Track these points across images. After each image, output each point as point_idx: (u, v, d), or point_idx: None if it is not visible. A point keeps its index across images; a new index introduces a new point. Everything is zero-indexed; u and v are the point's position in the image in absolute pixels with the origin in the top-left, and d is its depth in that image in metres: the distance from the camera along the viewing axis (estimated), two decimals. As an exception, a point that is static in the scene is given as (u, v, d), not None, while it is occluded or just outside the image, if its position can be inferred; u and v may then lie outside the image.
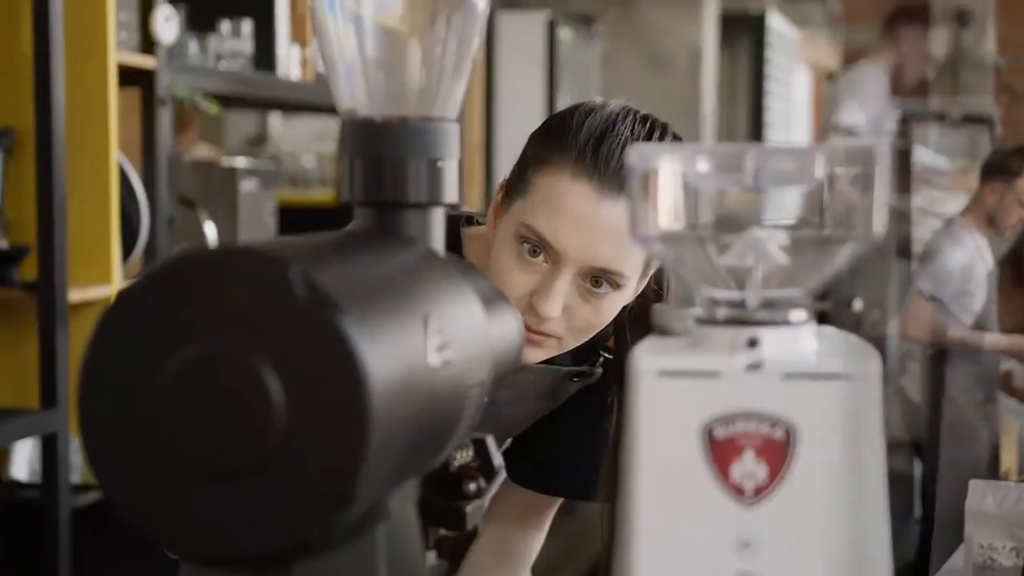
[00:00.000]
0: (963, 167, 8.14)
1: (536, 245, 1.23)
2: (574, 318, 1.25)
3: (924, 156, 5.43)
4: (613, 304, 1.26)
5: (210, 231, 2.84)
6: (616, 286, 1.24)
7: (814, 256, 0.70)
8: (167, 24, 2.59)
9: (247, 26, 2.98)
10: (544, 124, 1.29)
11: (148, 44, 2.61)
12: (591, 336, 1.28)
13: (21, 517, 2.42)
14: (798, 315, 0.69)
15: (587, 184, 1.21)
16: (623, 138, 1.24)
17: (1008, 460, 4.31)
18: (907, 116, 5.52)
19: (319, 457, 0.59)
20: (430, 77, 0.82)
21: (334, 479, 0.59)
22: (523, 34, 4.68)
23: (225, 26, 2.98)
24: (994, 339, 4.42)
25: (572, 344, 1.28)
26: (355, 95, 0.81)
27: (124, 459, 0.61)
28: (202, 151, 3.61)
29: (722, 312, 0.69)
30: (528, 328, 1.23)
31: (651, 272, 1.31)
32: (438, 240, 0.81)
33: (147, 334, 0.61)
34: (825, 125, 4.35)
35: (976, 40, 9.21)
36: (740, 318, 0.69)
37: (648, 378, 0.67)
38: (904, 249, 4.55)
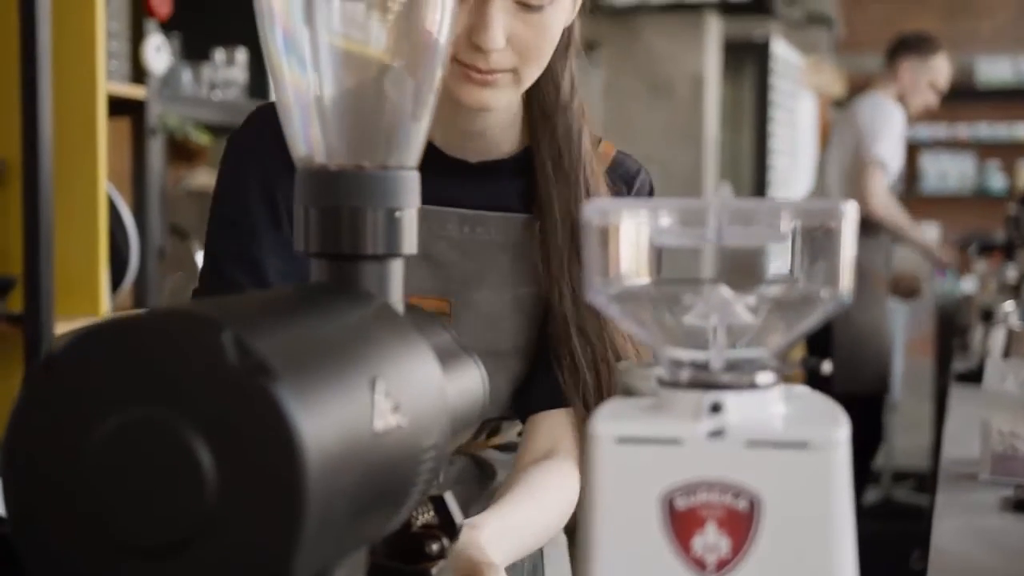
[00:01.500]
0: (812, 62, 8.21)
1: None
2: (519, 44, 1.20)
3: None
4: (554, 19, 1.21)
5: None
6: None
7: (781, 316, 0.67)
8: (158, 54, 2.57)
9: (241, 55, 2.96)
10: None
11: (139, 74, 2.59)
12: (546, 60, 1.24)
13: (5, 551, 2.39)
14: (765, 377, 0.66)
15: None
16: None
17: None
18: None
19: (252, 533, 0.56)
20: (388, 123, 0.79)
21: (268, 558, 0.56)
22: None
23: (219, 55, 2.96)
24: (928, 238, 4.72)
25: (530, 75, 1.23)
26: (311, 142, 0.78)
27: (47, 530, 0.58)
28: (204, 177, 3.59)
29: (685, 374, 0.66)
30: (478, 70, 1.20)
31: None
32: (396, 292, 0.78)
33: (74, 400, 0.58)
34: (857, 156, 4.32)
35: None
36: (704, 381, 0.66)
37: (606, 444, 0.64)
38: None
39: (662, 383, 0.67)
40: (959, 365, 3.30)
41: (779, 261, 0.83)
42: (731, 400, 0.64)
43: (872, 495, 5.30)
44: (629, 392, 0.72)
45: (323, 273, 0.77)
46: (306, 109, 0.78)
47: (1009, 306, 3.03)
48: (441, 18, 0.80)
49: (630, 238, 0.67)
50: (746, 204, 0.67)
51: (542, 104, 1.31)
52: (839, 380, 3.93)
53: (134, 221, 2.57)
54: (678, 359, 0.67)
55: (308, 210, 0.77)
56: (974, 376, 2.63)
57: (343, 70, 0.78)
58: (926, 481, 4.78)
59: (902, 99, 4.40)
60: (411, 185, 0.78)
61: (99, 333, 0.58)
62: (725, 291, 0.67)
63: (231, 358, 0.56)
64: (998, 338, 2.86)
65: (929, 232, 9.99)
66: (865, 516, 5.05)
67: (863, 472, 4.50)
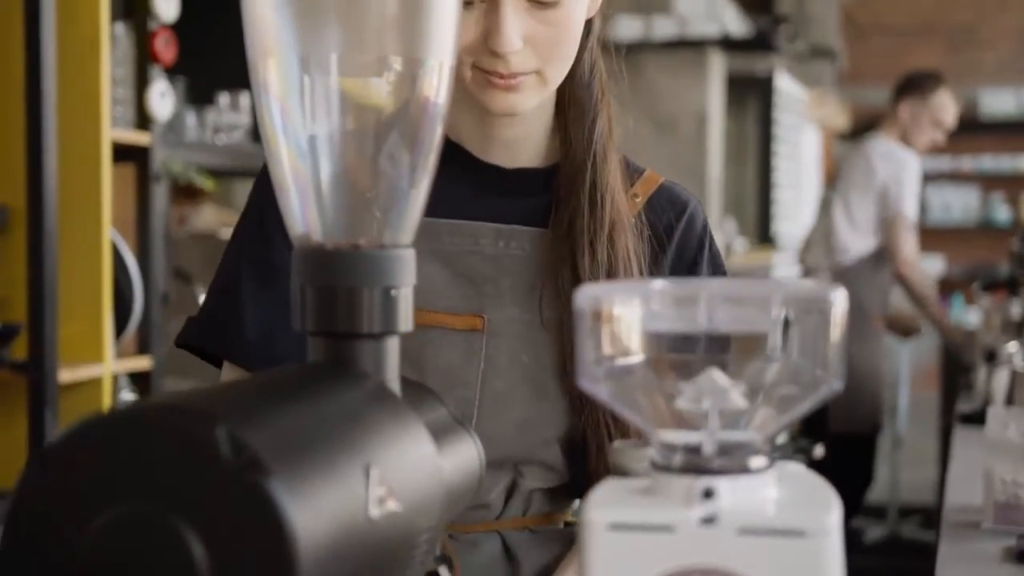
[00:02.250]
0: (815, 96, 8.24)
1: None
2: (539, 44, 1.15)
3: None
4: (573, 12, 1.16)
5: (206, 305, 2.82)
6: None
7: (773, 400, 0.67)
8: (162, 100, 2.58)
9: (245, 99, 2.97)
10: None
11: (144, 120, 2.61)
12: (570, 58, 1.18)
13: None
14: (757, 462, 0.66)
15: None
16: None
17: None
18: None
19: (245, 628, 0.56)
20: (384, 201, 0.79)
21: (261, 651, 0.56)
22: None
23: (223, 99, 2.97)
24: (944, 320, 4.68)
25: (556, 75, 1.18)
26: (308, 220, 0.79)
27: (43, 625, 0.59)
28: (209, 215, 3.60)
29: (678, 459, 0.67)
30: (499, 75, 1.15)
31: None
32: (392, 370, 0.78)
33: (69, 494, 0.59)
34: (884, 211, 4.33)
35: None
36: (696, 465, 0.66)
37: (599, 531, 0.65)
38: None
39: (655, 466, 0.67)
40: (963, 406, 3.29)
41: (772, 340, 0.82)
42: (723, 485, 0.65)
43: (877, 531, 5.28)
44: (622, 472, 0.72)
45: (319, 351, 0.78)
46: (302, 188, 0.78)
47: (1013, 347, 3.03)
48: (439, 81, 0.80)
49: (622, 323, 0.68)
50: (737, 289, 0.67)
51: (567, 112, 1.25)
52: (833, 419, 3.92)
53: (138, 267, 2.58)
54: (671, 443, 0.68)
55: (305, 288, 0.77)
56: (978, 418, 2.62)
57: (339, 148, 0.78)
58: (932, 517, 4.77)
59: (906, 138, 4.41)
60: (407, 264, 0.79)
61: (94, 427, 0.59)
62: (717, 376, 0.68)
63: (225, 454, 0.57)
64: (1002, 379, 2.86)
65: (933, 265, 10.01)
66: (870, 553, 5.04)
67: (853, 509, 4.49)
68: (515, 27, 1.12)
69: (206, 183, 2.72)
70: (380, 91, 0.78)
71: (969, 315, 8.80)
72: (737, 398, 0.67)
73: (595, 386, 0.68)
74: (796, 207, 8.12)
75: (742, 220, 7.04)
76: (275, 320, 1.17)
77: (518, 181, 1.26)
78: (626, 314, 0.68)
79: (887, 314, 4.53)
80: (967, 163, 9.93)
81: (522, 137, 1.26)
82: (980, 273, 9.81)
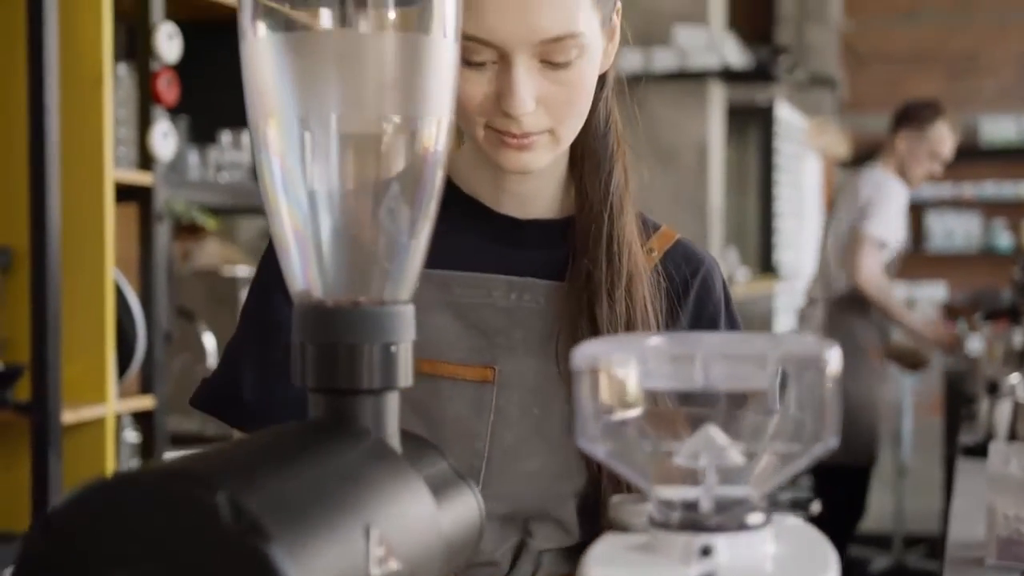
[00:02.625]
0: (816, 124, 8.26)
1: (475, 49, 1.12)
2: (551, 104, 1.14)
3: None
4: (585, 71, 1.14)
5: (209, 343, 2.83)
6: (578, 50, 1.13)
7: (771, 457, 0.68)
8: (165, 140, 2.60)
9: (247, 137, 2.99)
10: None
11: (146, 159, 2.62)
12: (583, 116, 1.17)
13: None
14: (755, 518, 0.67)
15: None
16: None
17: None
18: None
19: None
20: (383, 257, 0.80)
21: None
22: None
23: (226, 137, 2.99)
24: (919, 322, 4.61)
25: (569, 133, 1.17)
26: (308, 278, 0.79)
27: None
28: (213, 250, 3.61)
29: (675, 516, 0.67)
30: (512, 135, 1.14)
31: (616, 16, 1.21)
32: (392, 426, 0.78)
33: (71, 560, 0.59)
34: (854, 230, 4.36)
35: (822, 1, 9.27)
36: (694, 522, 0.66)
37: (598, 589, 0.65)
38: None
39: (653, 523, 0.68)
40: (966, 437, 3.29)
41: (768, 397, 0.82)
42: (721, 543, 0.65)
43: (883, 561, 5.26)
44: (621, 527, 0.73)
45: (319, 407, 0.78)
46: (302, 245, 0.79)
47: (1015, 378, 3.02)
48: (437, 137, 0.81)
49: (619, 381, 0.68)
50: (732, 346, 0.68)
51: (582, 164, 1.25)
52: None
53: (141, 306, 2.59)
54: (668, 500, 0.68)
55: (305, 345, 0.78)
56: (981, 450, 2.62)
57: (339, 206, 0.79)
58: (937, 547, 4.76)
59: (902, 170, 4.42)
60: (406, 319, 0.79)
61: (96, 493, 0.59)
62: (714, 432, 0.68)
63: (226, 519, 0.57)
64: (1004, 411, 2.86)
65: (935, 291, 10.01)
66: (876, 584, 5.03)
67: (846, 539, 4.48)
68: (528, 88, 1.12)
69: (208, 222, 2.73)
70: (379, 149, 0.79)
71: (972, 342, 8.80)
72: (734, 455, 0.68)
73: (593, 444, 0.68)
74: (798, 236, 8.13)
75: (744, 250, 7.05)
76: (274, 381, 1.17)
77: (532, 232, 1.26)
78: (623, 372, 0.68)
79: (884, 345, 4.52)
80: (969, 190, 9.96)
81: (535, 190, 1.26)
82: (982, 299, 9.83)
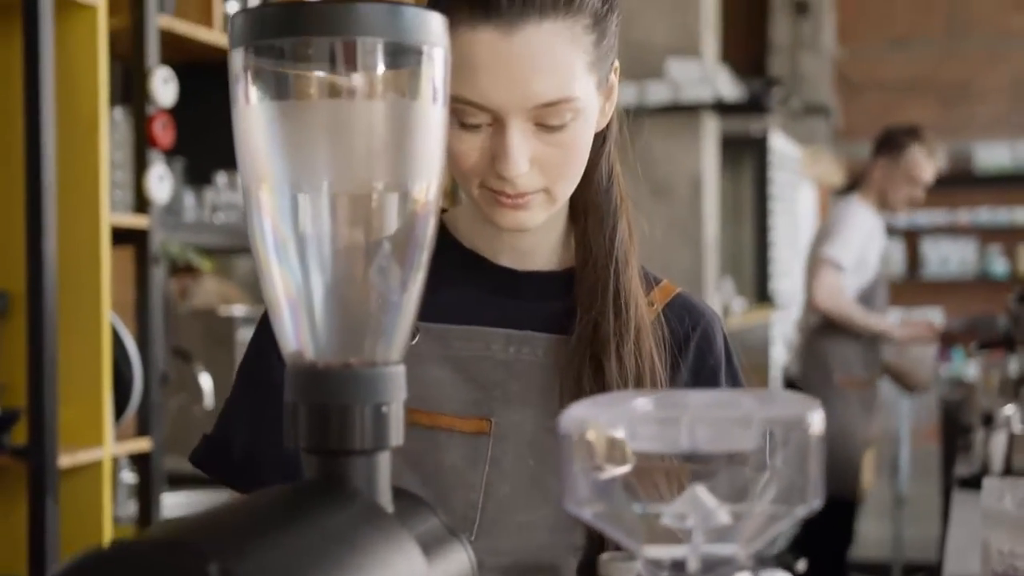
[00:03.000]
0: (810, 153, 8.27)
1: (469, 112, 1.12)
2: (545, 165, 1.14)
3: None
4: (580, 133, 1.15)
5: (206, 383, 2.84)
6: (573, 113, 1.13)
7: (756, 517, 0.69)
8: (161, 184, 2.61)
9: (243, 177, 3.01)
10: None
11: (142, 202, 2.63)
12: (578, 175, 1.17)
13: None
14: (741, 578, 0.68)
15: (489, 26, 1.10)
16: None
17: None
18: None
19: None
20: (374, 318, 0.81)
21: None
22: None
23: (221, 178, 3.00)
24: (887, 323, 4.51)
25: (564, 192, 1.17)
26: (300, 339, 0.81)
27: None
28: (211, 287, 3.62)
29: (664, 575, 0.68)
30: (506, 195, 1.14)
31: (613, 74, 1.21)
32: (383, 485, 0.79)
33: (67, 630, 0.60)
34: (813, 253, 4.43)
35: (815, 30, 9.32)
36: (682, 583, 0.67)
37: (587, 652, 0.66)
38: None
39: (642, 583, 0.69)
40: (962, 468, 3.30)
41: (754, 459, 0.82)
42: (709, 603, 0.66)
43: (882, 591, 5.26)
44: (612, 586, 0.73)
45: (312, 467, 0.79)
46: (294, 307, 0.80)
47: (1010, 409, 3.03)
48: (427, 201, 0.82)
49: (606, 444, 0.69)
50: (718, 410, 0.69)
51: (585, 219, 1.25)
52: None
53: (138, 348, 2.59)
54: (656, 559, 0.69)
55: (297, 406, 0.79)
56: (976, 482, 2.62)
57: (330, 269, 0.80)
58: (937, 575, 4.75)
59: (883, 197, 4.43)
60: (397, 380, 0.80)
61: (89, 564, 0.60)
62: (701, 492, 0.69)
63: (218, 590, 0.58)
64: (999, 443, 2.86)
65: (931, 317, 10.03)
66: (876, 613, 5.02)
67: (837, 569, 4.47)
68: (522, 151, 1.12)
69: (204, 264, 2.74)
70: (370, 212, 0.80)
71: (968, 368, 8.81)
72: (722, 515, 0.69)
73: (581, 506, 0.69)
74: (793, 264, 8.16)
75: (740, 279, 7.06)
76: (265, 441, 1.18)
77: (531, 284, 1.26)
78: (611, 435, 0.69)
79: (876, 369, 4.50)
80: (964, 216, 9.99)
81: (534, 243, 1.26)
82: (979, 325, 9.84)
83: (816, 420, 0.67)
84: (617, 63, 1.22)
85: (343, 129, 0.79)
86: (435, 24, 0.79)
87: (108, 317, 2.48)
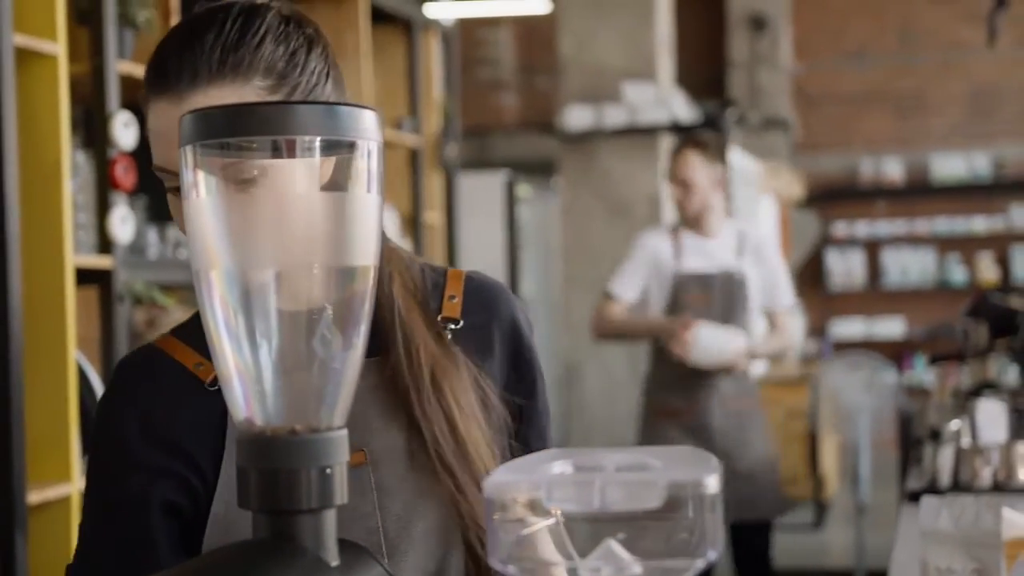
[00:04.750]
0: (769, 168, 8.33)
1: (167, 178, 1.18)
2: None
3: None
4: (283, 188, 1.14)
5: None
6: (260, 171, 1.11)
7: (663, 568, 0.77)
8: (123, 224, 2.68)
9: (205, 213, 3.08)
10: None
11: (105, 243, 2.69)
12: None
13: None
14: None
15: (163, 98, 1.16)
16: (194, 28, 1.18)
17: None
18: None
19: None
20: (318, 389, 0.88)
21: None
22: (483, 192, 4.79)
23: (183, 214, 3.07)
24: (647, 320, 4.14)
25: None
26: (249, 408, 0.88)
27: None
28: (177, 317, 3.66)
29: (579, 627, 0.76)
30: None
31: None
32: (330, 541, 0.87)
33: None
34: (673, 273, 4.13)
35: (772, 46, 9.47)
36: (596, 632, 0.75)
37: None
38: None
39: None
40: (913, 481, 3.38)
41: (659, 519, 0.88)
42: (619, 649, 0.74)
43: (845, 601, 5.35)
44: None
45: (262, 527, 0.87)
46: (243, 379, 0.88)
47: (956, 424, 3.11)
48: (365, 265, 0.89)
49: (525, 506, 0.77)
50: (628, 475, 0.77)
51: None
52: (731, 509, 3.91)
53: (103, 386, 2.65)
54: (574, 609, 0.77)
55: (248, 471, 0.86)
56: (924, 495, 2.68)
57: (277, 346, 0.87)
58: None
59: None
60: (340, 443, 0.88)
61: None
62: (615, 547, 0.77)
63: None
64: (947, 457, 2.95)
65: (893, 327, 10.16)
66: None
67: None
68: None
69: (167, 302, 2.80)
70: (312, 290, 0.88)
71: (928, 376, 8.94)
72: (633, 567, 0.76)
73: (504, 564, 0.77)
74: (755, 278, 8.24)
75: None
76: (132, 557, 1.19)
77: None
78: (529, 498, 0.77)
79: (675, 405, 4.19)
80: (922, 226, 10.14)
81: None
82: (939, 334, 10.02)
83: (712, 481, 0.75)
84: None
85: (285, 218, 0.86)
86: (368, 120, 0.87)
87: (74, 356, 2.54)
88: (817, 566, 6.06)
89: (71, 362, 2.52)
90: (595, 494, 0.76)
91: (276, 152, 0.87)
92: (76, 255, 2.58)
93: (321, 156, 0.85)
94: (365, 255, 0.88)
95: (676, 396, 4.11)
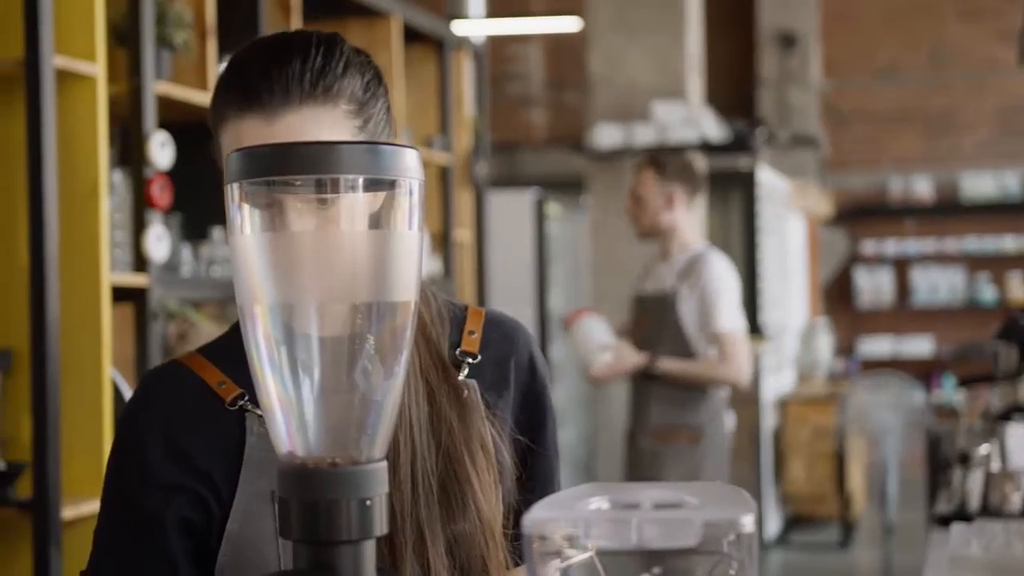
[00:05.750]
0: (798, 186, 8.25)
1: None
2: None
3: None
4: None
5: (203, 433, 2.91)
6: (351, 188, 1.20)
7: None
8: (159, 243, 2.71)
9: (239, 231, 3.10)
10: (212, 95, 1.25)
11: (141, 262, 2.73)
12: None
13: None
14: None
15: (252, 114, 1.17)
16: (277, 50, 1.20)
17: None
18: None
19: None
20: (358, 421, 0.90)
21: None
22: (512, 210, 4.81)
23: (217, 233, 3.10)
24: (666, 364, 3.96)
25: None
26: (292, 441, 0.90)
27: None
28: (208, 331, 3.69)
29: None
30: None
31: None
32: (369, 570, 0.88)
33: None
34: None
35: (802, 64, 9.43)
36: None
37: None
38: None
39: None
40: (942, 505, 3.37)
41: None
42: None
43: (872, 622, 5.34)
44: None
45: (302, 557, 0.88)
46: (286, 412, 0.90)
47: (986, 448, 3.10)
48: (406, 299, 0.91)
49: (564, 542, 0.78)
50: (663, 515, 0.78)
51: None
52: None
53: (137, 402, 2.68)
54: (609, 643, 0.78)
55: (289, 502, 0.88)
56: (954, 520, 2.68)
57: (319, 381, 0.89)
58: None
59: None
60: (380, 475, 0.89)
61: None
62: (650, 581, 0.78)
63: None
64: (976, 481, 2.94)
65: (922, 345, 10.11)
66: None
67: None
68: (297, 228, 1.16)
69: (200, 320, 2.83)
70: (354, 325, 0.89)
71: (957, 396, 8.89)
72: (665, 602, 0.78)
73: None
74: (783, 296, 8.24)
75: (729, 313, 7.13)
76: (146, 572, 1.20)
77: None
78: (567, 534, 0.78)
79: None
80: (952, 245, 10.10)
81: None
82: (968, 353, 9.97)
83: (748, 520, 0.76)
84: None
85: (328, 255, 0.88)
86: (410, 159, 0.89)
87: (109, 373, 2.57)
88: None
89: (106, 379, 2.55)
90: (632, 531, 0.77)
91: (320, 190, 0.89)
92: (112, 273, 2.61)
93: (363, 193, 0.87)
94: (407, 291, 0.90)
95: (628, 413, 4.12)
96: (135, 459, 1.25)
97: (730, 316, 4.00)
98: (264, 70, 1.18)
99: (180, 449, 1.24)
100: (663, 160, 4.15)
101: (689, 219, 4.11)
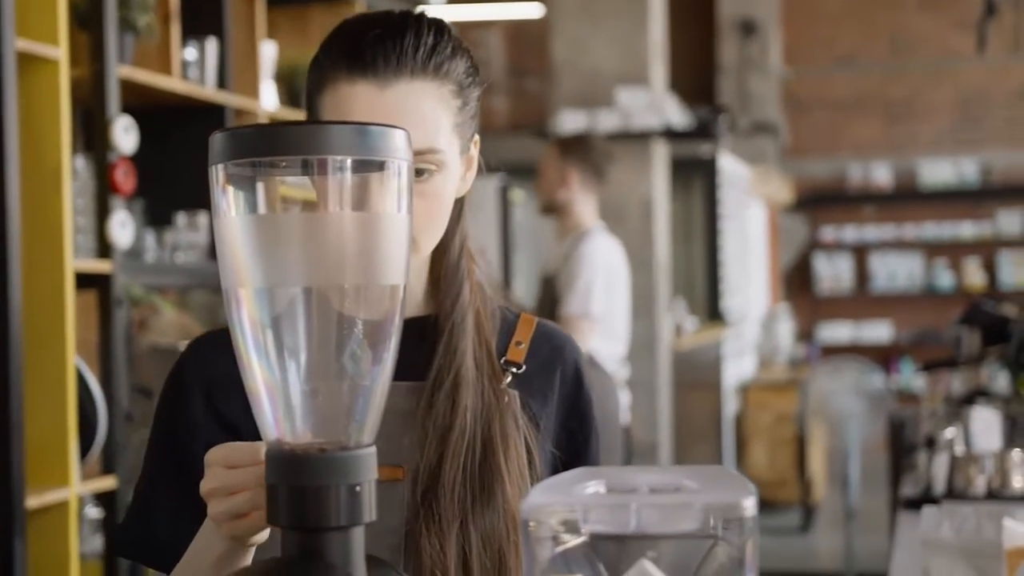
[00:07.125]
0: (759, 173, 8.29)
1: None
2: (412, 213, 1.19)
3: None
4: (443, 187, 1.22)
5: (168, 421, 2.88)
6: (437, 165, 1.20)
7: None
8: (123, 229, 2.67)
9: (203, 218, 3.07)
10: (313, 58, 1.26)
11: (104, 248, 2.69)
12: (442, 228, 1.24)
13: None
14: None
15: (365, 81, 1.19)
16: (391, 23, 1.23)
17: None
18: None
19: None
20: (347, 407, 0.89)
21: None
22: (476, 197, 4.75)
23: (181, 219, 3.07)
24: None
25: (428, 242, 1.23)
26: (279, 427, 0.88)
27: None
28: (169, 317, 3.65)
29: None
30: None
31: (474, 147, 1.28)
32: (358, 558, 0.87)
33: None
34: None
35: (762, 51, 9.49)
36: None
37: None
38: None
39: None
40: (907, 488, 3.39)
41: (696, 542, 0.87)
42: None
43: (834, 605, 5.37)
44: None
45: (291, 544, 0.87)
46: (273, 397, 0.88)
47: (951, 432, 3.12)
48: (394, 283, 0.90)
49: (561, 526, 0.77)
50: (663, 499, 0.77)
51: (435, 272, 1.30)
52: None
53: (101, 389, 2.65)
54: (606, 628, 0.77)
55: (277, 488, 0.87)
56: (921, 502, 2.69)
57: (306, 365, 0.88)
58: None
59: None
60: (369, 461, 0.88)
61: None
62: (649, 566, 0.77)
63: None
64: (942, 465, 2.96)
65: (881, 331, 10.19)
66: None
67: None
68: None
69: (164, 307, 2.80)
70: (341, 312, 0.88)
71: (917, 381, 8.95)
72: (664, 586, 0.77)
73: (539, 583, 0.77)
74: (744, 282, 8.28)
75: (691, 299, 7.17)
76: (187, 517, 1.19)
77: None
78: (565, 519, 0.77)
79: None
80: (910, 231, 10.16)
81: None
82: (926, 339, 10.05)
83: (750, 503, 0.75)
84: (478, 138, 1.30)
85: (315, 237, 0.86)
86: (398, 140, 0.87)
87: (72, 361, 2.54)
88: (804, 570, 6.08)
89: (71, 366, 2.52)
90: (631, 516, 0.76)
91: (307, 171, 0.87)
92: (76, 259, 2.57)
93: (351, 175, 0.86)
94: (395, 274, 0.88)
95: None
96: (180, 412, 1.27)
97: (578, 300, 3.96)
98: (379, 39, 1.21)
99: (220, 409, 1.25)
100: (566, 140, 4.24)
101: (585, 200, 4.13)
